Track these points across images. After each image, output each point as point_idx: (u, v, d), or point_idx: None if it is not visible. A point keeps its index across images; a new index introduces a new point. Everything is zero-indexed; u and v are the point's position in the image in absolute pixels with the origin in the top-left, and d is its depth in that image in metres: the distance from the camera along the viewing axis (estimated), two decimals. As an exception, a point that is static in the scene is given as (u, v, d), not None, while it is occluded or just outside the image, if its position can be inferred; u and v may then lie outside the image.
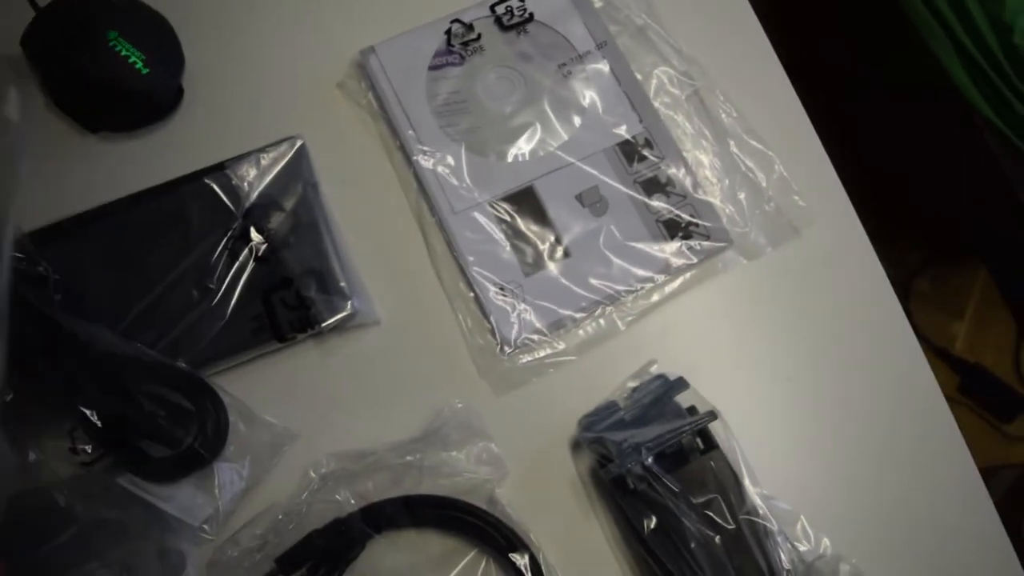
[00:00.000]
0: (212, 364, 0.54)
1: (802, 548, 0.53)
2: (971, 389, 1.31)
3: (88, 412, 0.50)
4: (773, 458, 0.55)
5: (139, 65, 0.58)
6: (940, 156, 1.35)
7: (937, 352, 1.30)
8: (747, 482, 0.52)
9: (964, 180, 1.31)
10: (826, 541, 0.53)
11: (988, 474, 0.58)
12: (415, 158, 0.59)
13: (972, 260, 1.39)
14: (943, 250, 1.37)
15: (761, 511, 0.51)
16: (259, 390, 0.55)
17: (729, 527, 0.51)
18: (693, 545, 0.50)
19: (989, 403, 1.31)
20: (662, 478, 0.51)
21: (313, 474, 0.53)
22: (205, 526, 0.51)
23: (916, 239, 1.34)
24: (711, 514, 0.51)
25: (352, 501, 0.52)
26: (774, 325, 0.59)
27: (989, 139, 1.01)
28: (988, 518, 0.57)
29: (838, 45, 1.38)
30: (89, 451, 0.51)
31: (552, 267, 0.58)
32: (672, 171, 0.60)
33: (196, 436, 0.51)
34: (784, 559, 0.50)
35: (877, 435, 0.58)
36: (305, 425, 0.54)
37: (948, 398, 0.58)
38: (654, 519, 0.51)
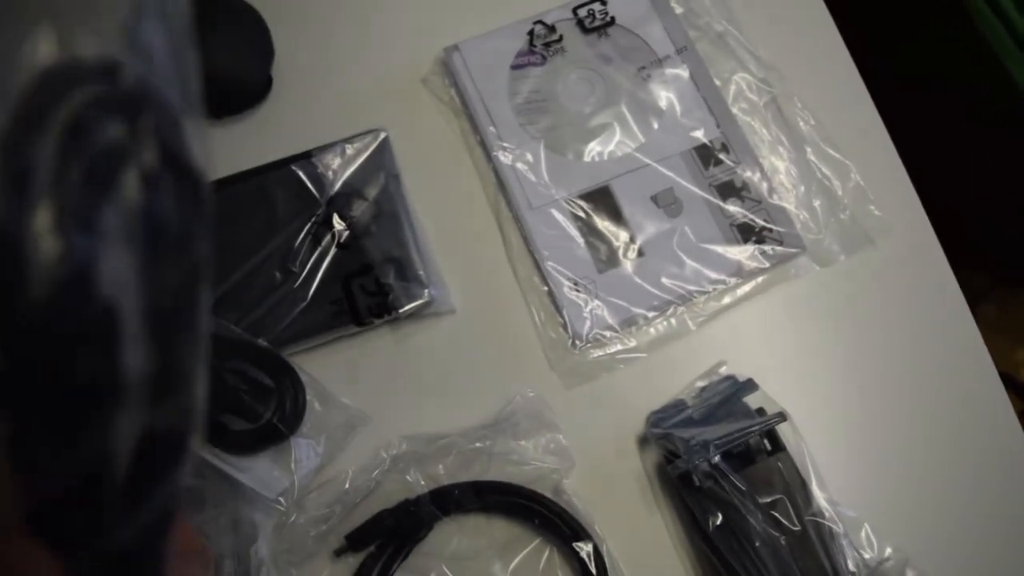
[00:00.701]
0: (292, 344, 0.56)
1: (866, 555, 0.53)
2: (1036, 416, 1.28)
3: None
4: (839, 465, 0.55)
5: (232, 55, 0.60)
6: (1010, 176, 1.33)
7: (1003, 378, 1.28)
8: (814, 485, 0.52)
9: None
10: (889, 550, 0.53)
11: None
12: (495, 154, 0.60)
13: (1042, 286, 1.37)
14: (1011, 274, 1.34)
15: (827, 514, 0.51)
16: (336, 372, 0.56)
17: (795, 528, 0.51)
18: (758, 544, 0.50)
19: (1054, 431, 1.28)
20: (729, 476, 0.51)
21: (384, 454, 0.54)
22: (280, 498, 0.52)
23: (983, 262, 1.32)
24: (776, 515, 0.51)
25: (422, 483, 0.53)
26: (845, 333, 0.59)
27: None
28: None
29: (914, 58, 1.36)
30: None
31: (626, 265, 0.59)
32: (748, 176, 0.61)
33: (275, 412, 0.53)
34: (849, 563, 0.50)
35: (945, 449, 0.57)
36: (378, 408, 0.56)
37: None
38: (720, 516, 0.51)
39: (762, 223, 0.60)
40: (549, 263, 0.58)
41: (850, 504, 0.54)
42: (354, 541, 0.53)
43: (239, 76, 0.62)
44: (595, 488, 0.55)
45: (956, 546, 0.56)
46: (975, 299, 1.30)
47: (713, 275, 0.59)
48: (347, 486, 0.53)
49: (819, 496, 0.52)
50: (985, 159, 1.34)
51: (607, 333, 0.57)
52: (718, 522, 0.51)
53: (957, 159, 1.34)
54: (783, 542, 0.50)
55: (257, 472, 0.52)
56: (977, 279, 1.32)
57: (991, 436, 0.58)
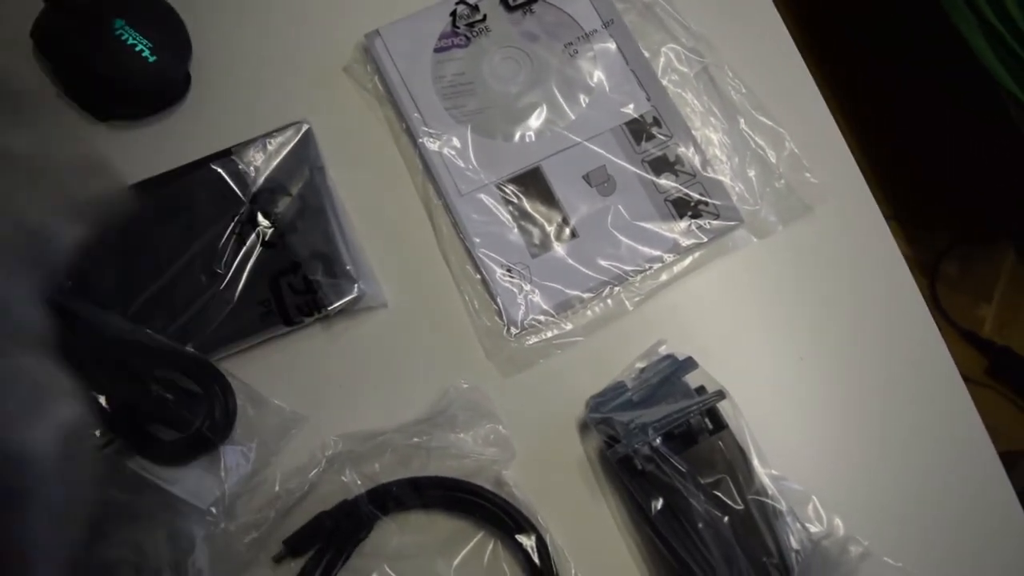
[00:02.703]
0: (221, 348, 0.55)
1: (813, 529, 0.52)
2: (999, 372, 1.28)
3: (98, 397, 0.51)
4: (785, 439, 0.55)
5: (146, 53, 0.58)
6: (966, 136, 1.32)
7: (965, 335, 1.28)
8: (756, 462, 0.52)
9: (991, 159, 1.28)
10: (838, 522, 0.53)
11: (1015, 458, 0.57)
12: (421, 140, 0.59)
13: (1001, 242, 1.36)
14: (971, 232, 1.34)
15: (770, 491, 0.51)
16: (267, 374, 0.55)
17: (738, 507, 0.50)
18: (701, 525, 0.49)
19: (1018, 386, 1.28)
20: (669, 458, 0.50)
21: (319, 455, 0.53)
22: (212, 508, 0.51)
23: (943, 221, 1.32)
24: (719, 494, 0.50)
25: (359, 482, 0.52)
26: (786, 304, 0.58)
27: (1015, 116, 0.99)
28: (1006, 501, 0.56)
29: (860, 22, 1.36)
30: (99, 435, 0.52)
31: (559, 248, 0.57)
32: (681, 149, 0.59)
33: (204, 419, 0.52)
34: (793, 539, 0.49)
35: (892, 416, 0.57)
36: (313, 408, 0.54)
37: (976, 382, 0.57)
38: (661, 500, 0.50)
39: (697, 197, 0.59)
40: (481, 250, 0.57)
41: (797, 478, 0.53)
42: (293, 546, 0.52)
43: (156, 75, 0.60)
44: (537, 477, 0.54)
45: (903, 515, 0.55)
46: (936, 258, 1.30)
47: (649, 253, 0.58)
48: (277, 488, 0.52)
49: (761, 473, 0.51)
50: (937, 117, 1.34)
51: (543, 318, 0.56)
52: (659, 506, 0.50)
53: (917, 123, 1.34)
54: (726, 522, 0.50)
55: (187, 482, 0.51)
56: (939, 238, 1.32)
57: (936, 401, 0.57)
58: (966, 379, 0.57)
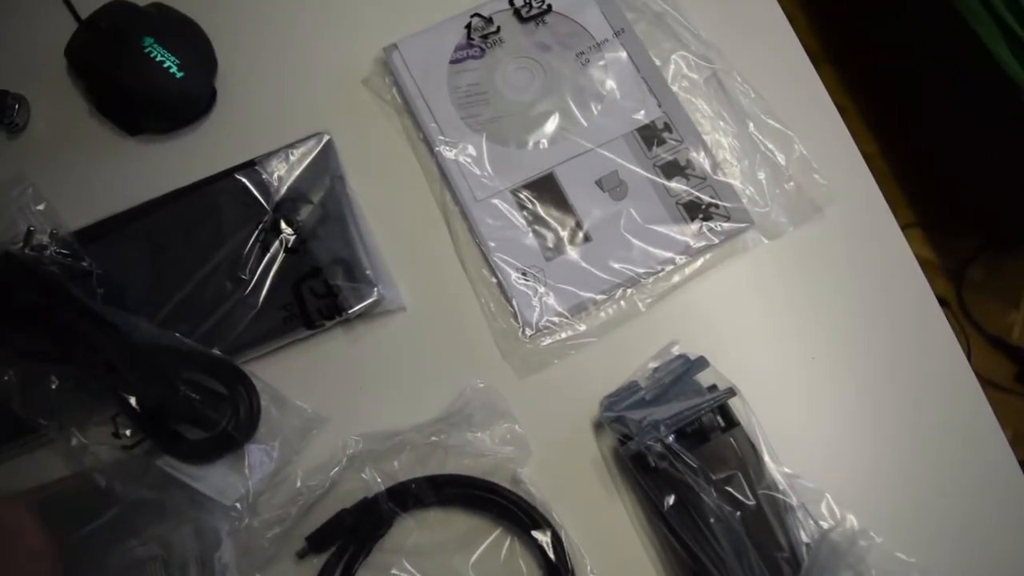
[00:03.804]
0: (245, 351, 0.57)
1: (825, 525, 0.52)
2: (1028, 379, 1.27)
3: (129, 398, 0.53)
4: (798, 438, 0.55)
5: (174, 70, 0.61)
6: (989, 140, 1.32)
7: (993, 341, 1.27)
8: (767, 459, 0.52)
9: (1015, 163, 1.27)
10: (851, 518, 0.53)
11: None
12: (438, 149, 0.61)
13: (1028, 247, 1.35)
14: (998, 237, 1.33)
15: (781, 487, 0.51)
16: (290, 376, 0.57)
17: (749, 503, 0.51)
18: (712, 520, 0.50)
19: (1047, 393, 1.27)
20: (681, 455, 0.51)
21: (340, 454, 0.54)
22: (237, 505, 0.53)
23: (969, 227, 1.31)
24: (731, 490, 0.51)
25: (378, 480, 0.54)
26: (797, 304, 0.59)
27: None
28: (1020, 498, 0.56)
29: (879, 29, 1.36)
30: (129, 435, 0.54)
31: (573, 251, 0.59)
32: (691, 154, 0.61)
33: (230, 419, 0.53)
34: (804, 533, 0.50)
35: (903, 414, 0.57)
36: (334, 409, 0.56)
37: (1004, 388, 0.57)
38: (673, 496, 0.51)
39: (708, 200, 0.60)
40: (496, 254, 0.58)
41: (811, 476, 0.54)
42: (315, 542, 0.53)
43: (184, 90, 0.62)
44: (553, 475, 0.55)
45: (918, 511, 0.55)
46: (963, 264, 1.30)
47: (661, 255, 0.59)
48: (299, 485, 0.53)
49: (773, 470, 0.52)
50: (961, 123, 1.34)
51: (557, 320, 0.58)
52: (672, 501, 0.51)
53: (943, 127, 1.34)
54: (738, 517, 0.50)
55: (213, 480, 0.53)
56: (965, 244, 1.31)
57: (949, 399, 0.58)
58: (994, 385, 0.57)
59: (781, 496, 0.51)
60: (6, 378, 0.56)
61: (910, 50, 1.35)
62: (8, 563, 0.52)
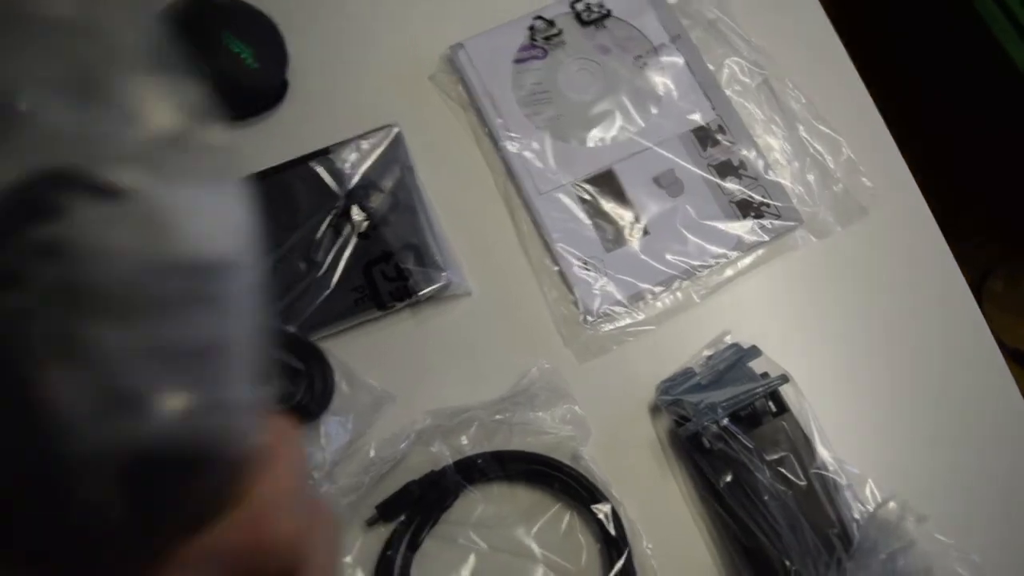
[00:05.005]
0: (319, 329, 0.59)
1: (871, 507, 0.55)
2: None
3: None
4: (842, 425, 0.58)
5: (248, 61, 0.64)
6: (1010, 149, 1.35)
7: (1011, 354, 1.29)
8: (818, 442, 0.55)
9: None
10: (892, 504, 0.56)
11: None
12: (503, 144, 0.64)
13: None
14: (1016, 249, 1.36)
15: (832, 468, 0.54)
16: (361, 354, 0.59)
17: (801, 483, 0.54)
18: (766, 498, 0.53)
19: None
20: (737, 436, 0.54)
21: (410, 429, 0.57)
22: (314, 473, 0.55)
23: (988, 238, 1.34)
24: (783, 471, 0.54)
25: (447, 454, 0.56)
26: (843, 300, 0.62)
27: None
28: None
29: (907, 39, 1.39)
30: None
31: (632, 244, 0.62)
32: (744, 154, 0.64)
33: (305, 393, 0.56)
34: (854, 511, 0.53)
35: (942, 406, 0.60)
36: (402, 387, 0.59)
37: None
38: (730, 474, 0.54)
39: (760, 199, 0.63)
40: (559, 244, 0.61)
41: (854, 462, 0.57)
42: (384, 511, 0.56)
43: (257, 81, 0.65)
44: (611, 455, 0.58)
45: (958, 500, 0.58)
46: (982, 276, 1.32)
47: (715, 250, 0.62)
48: (372, 454, 0.56)
49: (823, 452, 0.55)
50: (993, 136, 1.36)
51: (616, 308, 0.61)
52: (728, 480, 0.54)
53: (963, 136, 1.36)
54: (791, 496, 0.53)
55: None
56: (984, 255, 1.34)
57: (986, 393, 0.61)
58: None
59: (831, 475, 0.54)
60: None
61: (931, 56, 1.38)
62: None
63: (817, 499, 0.53)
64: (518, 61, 0.66)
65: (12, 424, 0.18)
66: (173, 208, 0.19)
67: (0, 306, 0.18)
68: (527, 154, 0.64)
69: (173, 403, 0.19)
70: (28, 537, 0.19)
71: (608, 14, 0.67)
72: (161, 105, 0.20)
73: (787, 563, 0.51)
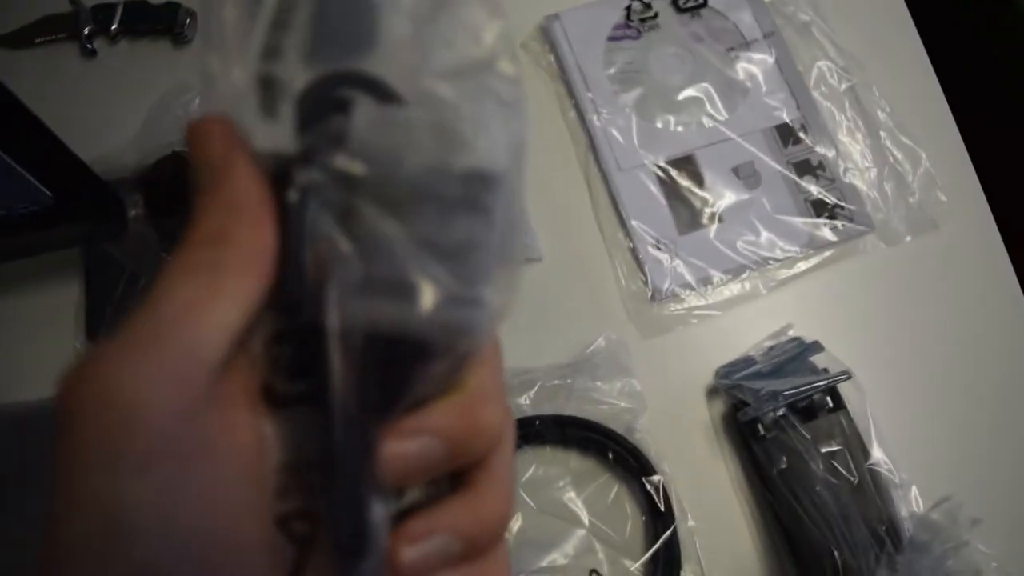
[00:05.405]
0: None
1: (920, 509, 0.56)
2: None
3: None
4: (890, 430, 0.59)
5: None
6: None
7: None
8: (874, 438, 0.56)
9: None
10: (946, 504, 0.57)
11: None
12: (590, 117, 0.65)
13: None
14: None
15: (885, 466, 0.55)
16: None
17: (852, 478, 0.55)
18: (818, 488, 0.54)
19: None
20: (796, 425, 0.55)
21: (475, 383, 0.58)
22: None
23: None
24: (836, 464, 0.55)
25: (508, 411, 0.57)
26: (905, 308, 0.63)
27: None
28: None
29: (989, 58, 1.38)
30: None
31: (705, 229, 0.63)
32: (824, 155, 0.65)
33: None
34: (904, 509, 0.54)
35: (997, 424, 0.61)
36: (468, 342, 0.60)
37: None
38: (784, 461, 0.55)
39: (835, 200, 0.64)
40: (634, 221, 0.62)
41: (900, 467, 0.58)
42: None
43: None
44: (663, 431, 0.59)
45: (1005, 517, 0.59)
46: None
47: (786, 245, 0.63)
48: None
49: (878, 451, 0.56)
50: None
51: (684, 291, 0.62)
52: (782, 466, 0.55)
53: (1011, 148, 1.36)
54: (842, 488, 0.54)
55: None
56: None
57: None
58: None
59: (885, 471, 0.55)
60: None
61: (1014, 78, 1.37)
62: None
63: (868, 495, 0.55)
64: (612, 39, 0.67)
65: (293, 280, 0.21)
66: (466, 119, 0.21)
67: (297, 179, 0.21)
68: (612, 130, 0.65)
69: (433, 292, 0.21)
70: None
71: (705, 3, 0.68)
72: (484, 30, 0.22)
73: (835, 552, 0.52)
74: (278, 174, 0.22)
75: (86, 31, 0.68)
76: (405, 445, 0.21)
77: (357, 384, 0.21)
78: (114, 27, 0.68)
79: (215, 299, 0.20)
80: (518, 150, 0.22)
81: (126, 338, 0.19)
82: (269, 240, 0.21)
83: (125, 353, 0.19)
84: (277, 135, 0.22)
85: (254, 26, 0.22)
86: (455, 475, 0.23)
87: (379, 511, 0.21)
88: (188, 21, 0.69)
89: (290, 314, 0.21)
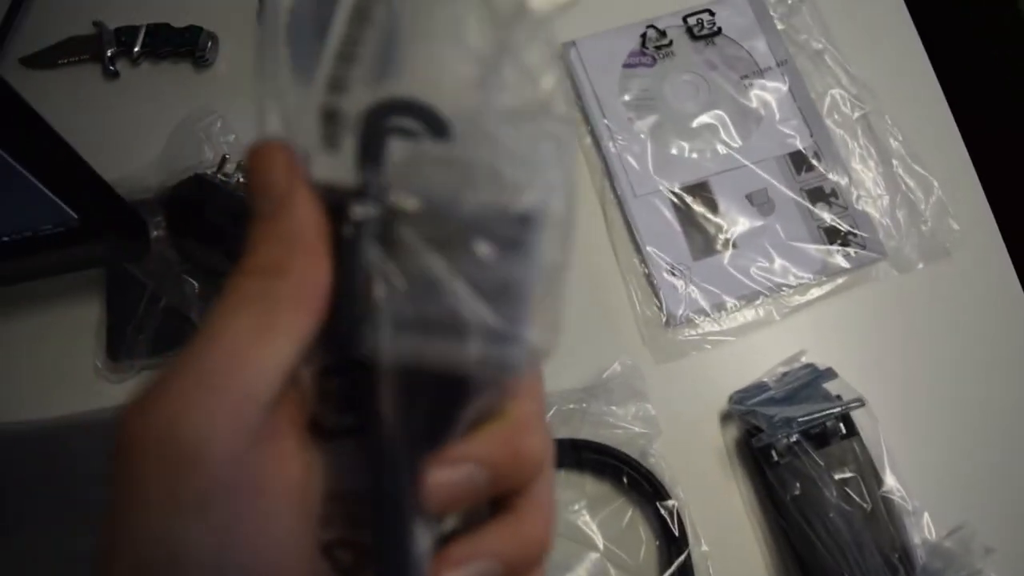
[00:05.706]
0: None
1: (932, 537, 0.57)
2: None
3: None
4: (903, 457, 0.59)
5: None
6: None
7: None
8: (887, 466, 0.57)
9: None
10: (960, 533, 0.57)
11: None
12: (606, 143, 0.65)
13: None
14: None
15: (899, 493, 0.56)
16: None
17: (865, 505, 0.55)
18: (831, 515, 0.54)
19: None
20: (809, 451, 0.56)
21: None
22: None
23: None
24: (849, 491, 0.55)
25: (523, 434, 0.58)
26: (919, 335, 0.64)
27: None
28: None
29: (1000, 82, 1.39)
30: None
31: (719, 255, 0.63)
32: (837, 183, 0.65)
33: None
34: (917, 537, 0.54)
35: (1009, 454, 0.61)
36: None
37: None
38: (797, 488, 0.56)
39: (848, 228, 0.64)
40: (649, 247, 0.63)
41: (913, 494, 0.58)
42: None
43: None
44: (678, 456, 0.59)
45: (1018, 549, 0.59)
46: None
47: (799, 272, 0.63)
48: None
49: (891, 478, 0.56)
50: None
51: (698, 316, 0.62)
52: (796, 493, 0.55)
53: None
54: (855, 515, 0.55)
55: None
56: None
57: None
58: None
59: (898, 499, 0.55)
60: (188, 290, 0.61)
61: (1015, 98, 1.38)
62: None
63: (881, 522, 0.55)
64: (627, 66, 0.68)
65: (344, 316, 0.21)
66: (523, 161, 0.22)
67: (353, 213, 0.21)
68: (628, 156, 0.65)
69: (479, 331, 0.21)
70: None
71: (719, 32, 0.69)
72: (543, 74, 0.23)
73: (848, 579, 0.52)
74: (332, 206, 0.22)
75: (109, 53, 0.69)
76: (449, 473, 0.22)
77: (404, 418, 0.21)
78: (137, 49, 0.69)
79: (270, 334, 0.20)
80: (571, 192, 0.23)
81: (186, 373, 0.20)
82: (325, 276, 0.21)
83: (186, 390, 0.19)
84: (337, 166, 0.22)
85: (321, 57, 0.22)
86: (494, 500, 0.24)
87: (423, 540, 0.22)
88: (210, 44, 0.70)
89: (340, 348, 0.22)
